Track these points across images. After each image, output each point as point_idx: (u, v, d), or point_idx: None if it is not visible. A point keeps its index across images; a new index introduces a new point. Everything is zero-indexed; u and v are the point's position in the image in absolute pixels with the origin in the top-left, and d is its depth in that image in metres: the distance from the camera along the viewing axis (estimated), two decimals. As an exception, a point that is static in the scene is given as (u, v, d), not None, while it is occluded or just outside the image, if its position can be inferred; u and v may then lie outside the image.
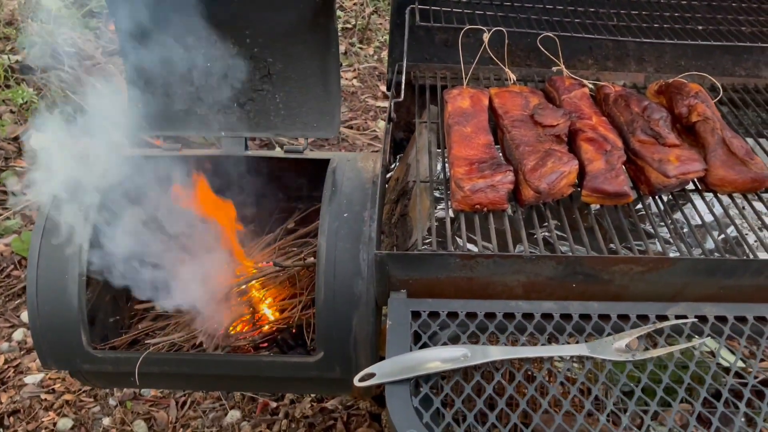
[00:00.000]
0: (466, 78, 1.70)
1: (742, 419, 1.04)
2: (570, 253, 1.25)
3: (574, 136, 1.48)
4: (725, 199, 1.47)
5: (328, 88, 1.71)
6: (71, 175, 1.60)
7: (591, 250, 1.30)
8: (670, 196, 1.47)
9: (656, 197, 1.45)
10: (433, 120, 1.74)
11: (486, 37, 1.70)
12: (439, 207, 1.70)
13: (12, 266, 2.90)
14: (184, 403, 2.41)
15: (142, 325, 1.76)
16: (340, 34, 4.18)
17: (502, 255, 1.21)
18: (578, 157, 1.41)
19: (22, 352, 2.59)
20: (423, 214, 1.43)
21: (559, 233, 1.46)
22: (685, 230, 1.64)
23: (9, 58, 3.53)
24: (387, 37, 4.80)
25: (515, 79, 1.77)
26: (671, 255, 1.27)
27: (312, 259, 1.77)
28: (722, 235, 1.56)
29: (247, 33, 1.65)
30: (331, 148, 3.71)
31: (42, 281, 1.48)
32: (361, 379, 1.08)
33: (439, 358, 1.10)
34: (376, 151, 3.68)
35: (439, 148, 1.64)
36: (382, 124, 3.95)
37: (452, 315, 1.19)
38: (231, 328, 1.71)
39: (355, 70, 4.44)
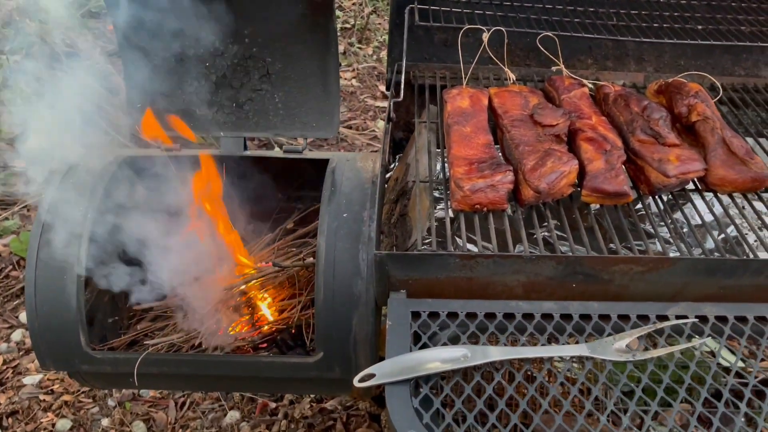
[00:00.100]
0: (465, 78, 1.70)
1: (742, 419, 1.04)
2: (570, 253, 1.25)
3: (574, 135, 1.48)
4: (725, 198, 1.46)
5: (328, 88, 1.71)
6: (70, 175, 1.60)
7: (591, 250, 1.29)
8: (669, 196, 1.47)
9: (656, 197, 1.44)
10: (432, 120, 1.74)
11: (485, 36, 1.70)
12: (438, 207, 1.70)
13: (10, 267, 2.90)
14: (183, 403, 2.41)
15: (141, 326, 1.75)
16: (338, 33, 4.18)
17: (502, 255, 1.21)
18: (578, 157, 1.41)
19: (20, 353, 2.58)
20: (422, 214, 1.43)
21: (559, 233, 1.46)
22: (684, 230, 1.64)
23: (8, 58, 3.52)
24: (386, 37, 4.80)
25: (515, 78, 1.77)
26: (671, 255, 1.27)
27: (311, 259, 1.76)
28: (722, 235, 1.56)
29: (246, 33, 1.65)
30: (330, 148, 3.70)
31: (40, 282, 1.48)
32: (361, 380, 1.07)
33: (439, 358, 1.09)
34: (376, 151, 3.68)
35: (438, 147, 1.64)
36: (381, 123, 3.95)
37: (452, 315, 1.19)
38: (230, 329, 1.70)
39: (354, 70, 4.44)
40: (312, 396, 2.38)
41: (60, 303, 1.47)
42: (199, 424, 2.32)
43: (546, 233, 1.57)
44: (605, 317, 1.19)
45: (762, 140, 1.66)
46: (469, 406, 1.05)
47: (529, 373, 1.12)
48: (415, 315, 1.19)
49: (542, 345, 1.15)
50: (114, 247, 1.57)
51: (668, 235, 1.63)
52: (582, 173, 1.40)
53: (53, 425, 2.31)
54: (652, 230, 1.38)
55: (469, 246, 1.41)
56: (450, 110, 1.56)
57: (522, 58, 2.03)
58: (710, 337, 1.17)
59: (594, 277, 1.24)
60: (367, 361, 1.48)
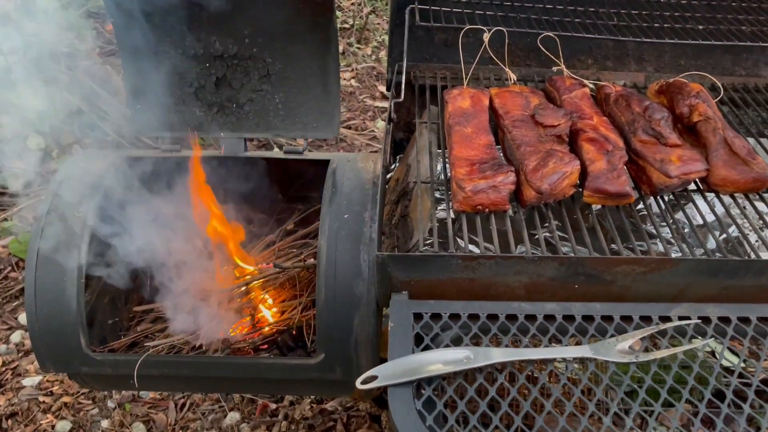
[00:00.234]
0: (466, 78, 1.69)
1: (745, 421, 1.04)
2: (572, 254, 1.25)
3: (576, 136, 1.48)
4: (726, 198, 1.46)
5: (328, 89, 1.70)
6: (70, 177, 1.59)
7: (593, 251, 1.29)
8: (671, 196, 1.47)
9: (658, 197, 1.44)
10: (433, 120, 1.73)
11: (486, 37, 1.70)
12: (439, 208, 1.69)
13: (9, 268, 2.89)
14: (183, 405, 2.40)
15: (141, 327, 1.75)
16: (338, 34, 4.18)
17: (504, 256, 1.21)
18: (579, 158, 1.41)
19: (20, 355, 2.58)
20: (424, 215, 1.42)
21: (560, 234, 1.45)
22: (686, 230, 1.64)
23: (6, 59, 3.51)
24: (385, 37, 4.80)
25: (515, 79, 1.76)
26: (673, 255, 1.27)
27: (312, 260, 1.76)
28: (724, 235, 1.55)
29: (246, 33, 1.64)
30: (330, 149, 3.70)
31: (40, 284, 1.47)
32: (364, 382, 1.07)
33: (441, 360, 1.09)
34: (375, 152, 3.68)
35: (439, 148, 1.64)
36: (380, 124, 3.94)
37: (454, 316, 1.18)
38: (231, 330, 1.70)
39: (353, 70, 4.43)
40: (312, 397, 2.37)
41: (60, 305, 1.47)
42: (199, 426, 2.32)
43: (547, 234, 1.57)
44: (608, 318, 1.19)
45: (763, 140, 1.65)
46: (472, 407, 1.04)
47: (531, 374, 1.11)
48: (417, 316, 1.19)
49: (545, 346, 1.15)
50: (115, 249, 1.56)
51: (670, 235, 1.63)
52: (583, 174, 1.40)
53: (53, 427, 2.30)
54: (653, 230, 1.38)
55: (471, 247, 1.40)
56: (451, 111, 1.56)
57: (522, 58, 2.03)
58: (713, 338, 1.16)
59: (596, 278, 1.23)
60: (368, 362, 1.48)
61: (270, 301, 1.77)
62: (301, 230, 1.91)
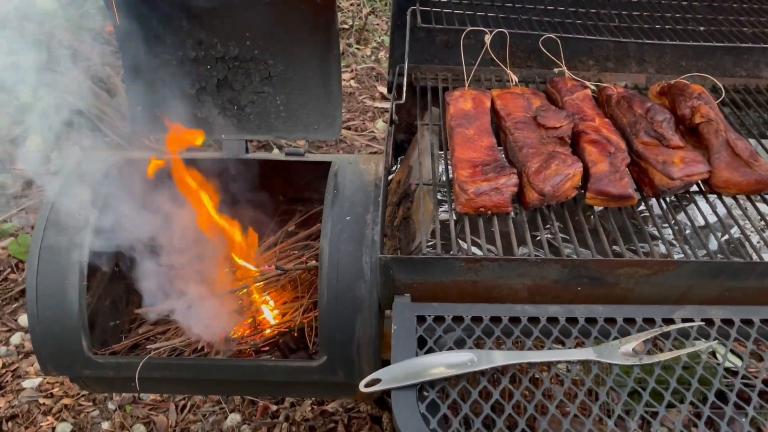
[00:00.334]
0: (467, 80, 1.69)
1: (743, 419, 1.04)
2: (575, 256, 1.25)
3: (578, 137, 1.48)
4: (728, 199, 1.46)
5: (329, 90, 1.70)
6: (71, 179, 1.59)
7: (596, 253, 1.29)
8: (673, 198, 1.46)
9: (660, 199, 1.44)
10: (434, 122, 1.73)
11: (488, 38, 1.69)
12: (441, 209, 1.69)
13: (9, 269, 2.88)
14: (184, 406, 2.40)
15: (142, 330, 1.75)
16: (339, 35, 4.17)
17: (507, 258, 1.21)
18: (582, 159, 1.41)
19: (19, 356, 2.57)
20: (426, 217, 1.42)
21: (563, 236, 1.45)
22: (687, 232, 1.64)
23: (6, 60, 3.50)
24: (384, 37, 4.80)
25: (517, 80, 1.76)
26: (676, 257, 1.27)
27: (314, 262, 1.76)
28: (726, 236, 1.55)
29: (248, 35, 1.64)
30: (329, 149, 3.70)
31: (42, 287, 1.47)
32: (367, 385, 1.07)
33: (445, 363, 1.09)
34: (375, 153, 3.68)
35: (441, 150, 1.64)
36: (380, 125, 3.94)
37: (457, 319, 1.18)
38: (232, 333, 1.69)
39: (352, 70, 4.43)
40: (313, 398, 2.37)
41: (62, 308, 1.46)
42: (199, 427, 2.31)
43: (549, 235, 1.57)
44: (611, 321, 1.19)
45: (764, 141, 1.65)
46: (476, 410, 1.04)
47: (535, 376, 1.11)
48: (420, 319, 1.19)
49: (549, 349, 1.15)
50: (116, 251, 1.56)
51: (672, 236, 1.63)
52: (586, 175, 1.40)
53: (53, 429, 2.30)
54: (655, 232, 1.38)
55: (473, 249, 1.40)
56: (453, 112, 1.55)
57: (523, 59, 2.03)
58: (716, 341, 1.16)
59: (599, 280, 1.23)
60: (370, 364, 1.48)
61: (271, 302, 1.77)
62: (303, 232, 1.91)
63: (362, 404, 2.34)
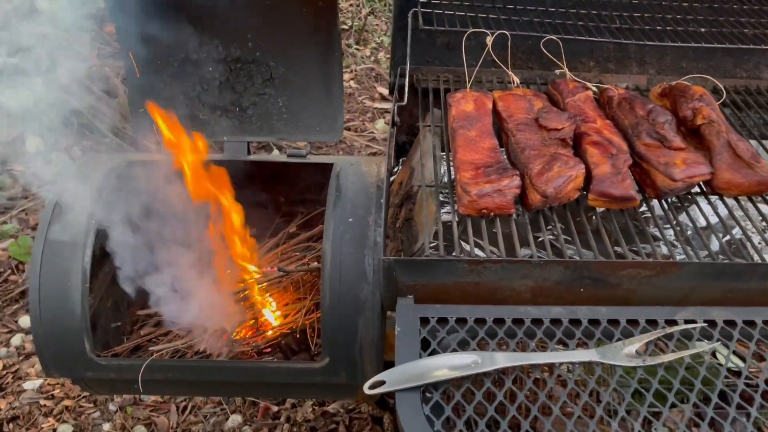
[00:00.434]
0: (469, 81, 1.69)
1: (744, 419, 1.04)
2: (577, 258, 1.25)
3: (580, 139, 1.48)
4: (729, 200, 1.46)
5: (330, 92, 1.71)
6: (73, 181, 1.59)
7: (598, 254, 1.29)
8: (675, 199, 1.47)
9: (662, 201, 1.44)
10: (436, 123, 1.73)
11: (489, 40, 1.69)
12: (442, 211, 1.69)
13: (9, 271, 2.88)
14: (185, 407, 2.40)
15: (144, 331, 1.75)
16: (341, 37, 4.17)
17: (510, 260, 1.21)
18: (584, 161, 1.41)
19: (20, 358, 2.57)
20: (429, 219, 1.42)
21: (565, 237, 1.45)
22: (689, 232, 1.64)
23: (4, 61, 3.50)
24: (383, 38, 4.80)
25: (518, 82, 1.76)
26: (678, 258, 1.27)
27: (316, 263, 1.76)
28: (727, 237, 1.56)
29: (250, 37, 1.64)
30: (329, 150, 3.70)
31: (44, 289, 1.47)
32: (372, 387, 1.07)
33: (449, 365, 1.09)
34: (375, 153, 3.68)
35: (443, 151, 1.64)
36: (379, 125, 3.94)
37: (461, 321, 1.19)
38: (235, 334, 1.69)
39: (351, 71, 4.43)
40: (314, 399, 2.37)
41: (64, 310, 1.47)
42: (200, 429, 2.31)
43: (551, 237, 1.57)
44: (614, 322, 1.19)
45: (765, 142, 1.66)
46: (480, 411, 1.04)
47: (539, 378, 1.11)
48: (424, 321, 1.19)
49: (552, 350, 1.15)
50: (118, 253, 1.56)
51: (673, 237, 1.64)
52: (588, 177, 1.40)
53: (54, 430, 2.30)
54: (657, 233, 1.38)
55: (476, 251, 1.41)
56: (455, 114, 1.56)
57: (524, 60, 2.03)
58: (719, 342, 1.17)
59: (602, 281, 1.24)
60: (372, 365, 1.48)
61: (273, 304, 1.77)
62: (304, 233, 1.91)
63: (363, 405, 2.34)
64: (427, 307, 1.21)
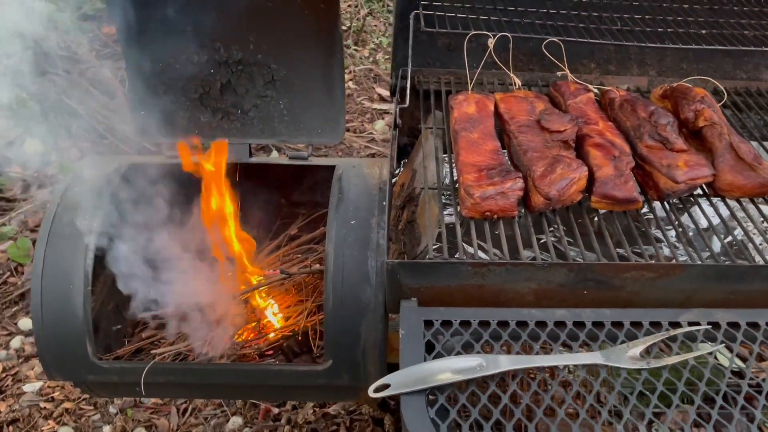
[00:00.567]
0: (471, 83, 1.69)
1: (741, 418, 1.05)
2: (581, 260, 1.25)
3: (582, 141, 1.48)
4: (731, 203, 1.47)
5: (332, 94, 1.70)
6: (75, 183, 1.59)
7: (601, 256, 1.29)
8: (676, 200, 1.47)
9: (664, 202, 1.45)
10: (438, 125, 1.73)
11: (491, 42, 1.70)
12: (445, 213, 1.69)
13: (8, 273, 2.87)
14: (185, 410, 2.39)
15: (145, 334, 1.74)
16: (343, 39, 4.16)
17: (514, 263, 1.21)
18: (586, 163, 1.41)
19: (20, 360, 2.56)
20: (432, 221, 1.42)
21: (568, 239, 1.46)
22: (690, 234, 1.64)
23: (3, 62, 3.49)
24: (382, 39, 4.80)
25: (520, 84, 1.76)
26: (681, 260, 1.27)
27: (318, 265, 1.76)
28: (729, 238, 1.56)
29: (251, 39, 1.64)
30: (328, 152, 3.70)
31: (47, 292, 1.46)
32: (377, 390, 1.07)
33: (453, 368, 1.09)
34: (374, 154, 3.68)
35: (445, 153, 1.64)
36: (378, 126, 3.94)
37: (465, 323, 1.19)
38: (236, 336, 1.69)
39: (350, 72, 4.43)
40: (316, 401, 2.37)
41: (66, 313, 1.46)
42: (201, 431, 2.31)
43: (554, 239, 1.58)
44: (618, 324, 1.19)
45: (766, 143, 1.66)
46: (485, 413, 1.04)
47: (544, 380, 1.11)
48: (428, 323, 1.19)
49: (557, 353, 1.15)
50: (121, 256, 1.56)
51: (675, 239, 1.64)
52: (591, 179, 1.40)
53: (54, 433, 2.30)
54: (659, 234, 1.38)
55: (479, 253, 1.40)
56: (457, 116, 1.56)
57: (525, 62, 2.03)
58: (723, 344, 1.17)
59: (605, 283, 1.24)
60: (375, 368, 1.48)
61: (275, 306, 1.77)
62: (305, 235, 1.91)
63: (364, 406, 2.34)
64: (430, 310, 1.21)
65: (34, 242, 2.91)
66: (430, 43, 2.02)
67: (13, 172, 3.25)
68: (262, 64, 1.67)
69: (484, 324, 1.18)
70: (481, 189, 1.33)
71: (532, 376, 1.14)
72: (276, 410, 2.37)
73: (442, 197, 1.50)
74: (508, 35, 1.73)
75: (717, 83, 1.80)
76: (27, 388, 2.44)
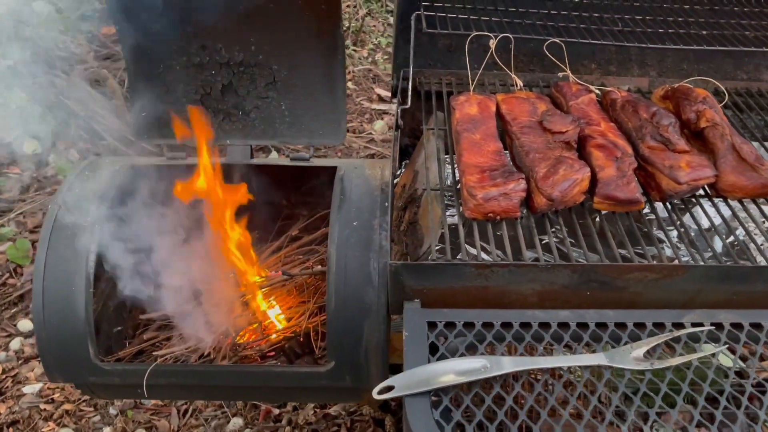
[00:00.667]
0: (472, 84, 1.69)
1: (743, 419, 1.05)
2: (584, 261, 1.25)
3: (584, 142, 1.48)
4: (734, 203, 1.47)
5: (334, 95, 1.70)
6: (76, 185, 1.58)
7: (604, 257, 1.30)
8: (678, 201, 1.47)
9: (666, 203, 1.45)
10: (439, 126, 1.73)
11: (493, 43, 1.70)
12: (447, 214, 1.69)
13: (7, 274, 2.86)
14: (186, 411, 2.39)
15: (146, 336, 1.74)
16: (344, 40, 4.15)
17: (517, 264, 1.21)
18: (588, 164, 1.41)
19: (19, 362, 2.56)
20: (435, 222, 1.42)
21: (570, 240, 1.46)
22: (692, 234, 1.65)
23: (2, 63, 3.48)
24: (381, 39, 4.80)
25: (521, 84, 1.76)
26: (683, 261, 1.27)
27: (320, 267, 1.76)
28: (731, 238, 1.56)
29: (252, 40, 1.64)
30: (327, 152, 3.69)
31: (48, 293, 1.46)
32: (381, 392, 1.07)
33: (457, 369, 1.09)
34: (373, 154, 3.68)
35: (447, 154, 1.64)
36: (377, 126, 3.94)
37: (468, 325, 1.19)
38: (238, 338, 1.69)
39: (349, 72, 4.43)
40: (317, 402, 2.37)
41: (68, 315, 1.46)
42: (202, 432, 2.31)
43: (556, 240, 1.58)
44: (621, 325, 1.19)
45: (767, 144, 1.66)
46: (489, 415, 1.04)
47: (548, 382, 1.11)
48: (431, 325, 1.19)
49: (560, 354, 1.15)
50: (122, 258, 1.55)
51: (677, 240, 1.64)
52: (593, 180, 1.40)
53: (54, 435, 2.29)
54: (662, 235, 1.38)
55: (482, 255, 1.41)
56: (459, 117, 1.56)
57: (526, 63, 2.03)
58: (726, 345, 1.17)
59: (608, 284, 1.24)
60: (378, 369, 1.48)
61: (277, 307, 1.76)
62: (307, 236, 1.91)
63: (365, 407, 2.33)
64: (434, 312, 1.21)
65: (33, 243, 2.91)
66: (431, 44, 2.02)
67: (12, 173, 3.25)
68: (264, 65, 1.67)
69: (488, 325, 1.19)
70: (483, 190, 1.33)
71: (535, 377, 1.14)
72: (276, 411, 2.37)
73: (444, 198, 1.50)
74: (510, 36, 1.73)
75: (718, 84, 1.81)
76: (27, 389, 2.44)
